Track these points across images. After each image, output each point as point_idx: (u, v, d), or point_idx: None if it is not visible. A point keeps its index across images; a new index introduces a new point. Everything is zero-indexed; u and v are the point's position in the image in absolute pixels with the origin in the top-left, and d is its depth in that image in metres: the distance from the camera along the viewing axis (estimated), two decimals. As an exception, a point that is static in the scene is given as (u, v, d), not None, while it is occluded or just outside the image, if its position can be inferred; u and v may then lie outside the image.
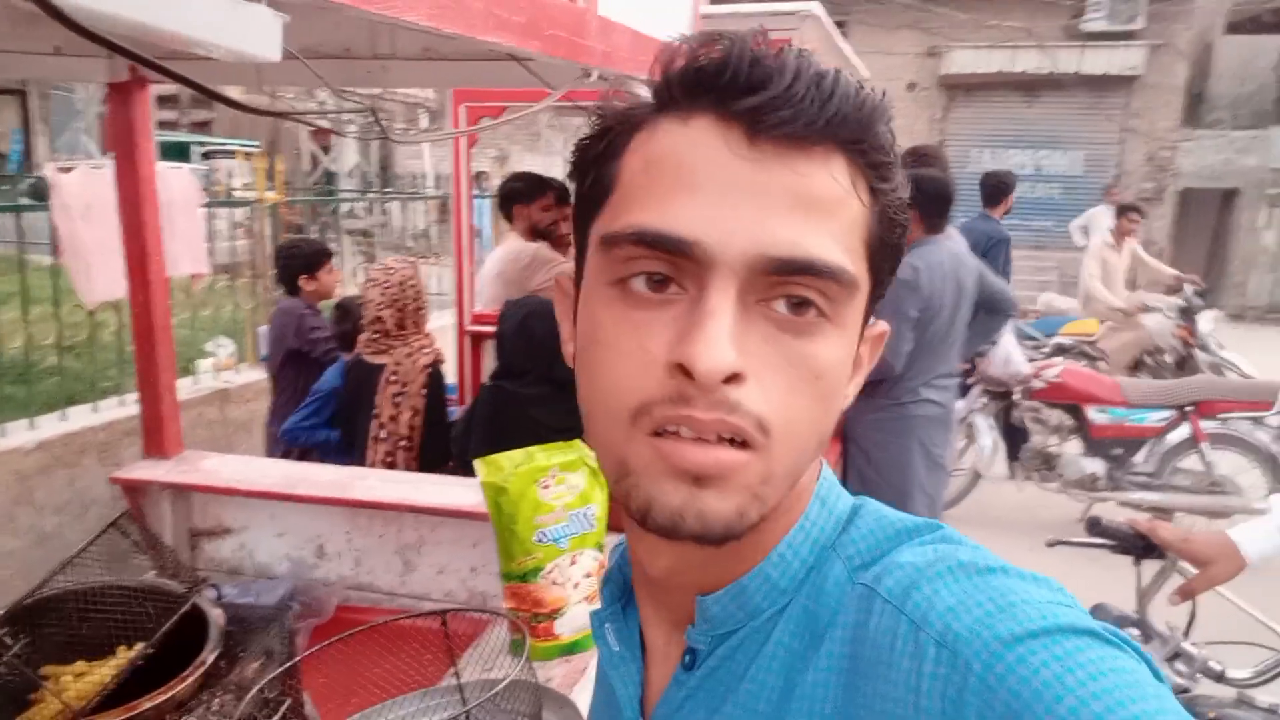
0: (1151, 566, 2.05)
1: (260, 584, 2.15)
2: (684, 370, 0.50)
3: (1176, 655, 2.01)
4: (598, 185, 0.58)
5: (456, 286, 3.86)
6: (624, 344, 0.53)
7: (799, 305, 0.52)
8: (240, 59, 0.76)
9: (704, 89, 0.53)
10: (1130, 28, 14.83)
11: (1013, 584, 0.52)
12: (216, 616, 1.34)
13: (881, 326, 0.62)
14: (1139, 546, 1.99)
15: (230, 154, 13.16)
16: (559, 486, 1.34)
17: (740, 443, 0.51)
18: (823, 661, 0.56)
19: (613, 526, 1.61)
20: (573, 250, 0.64)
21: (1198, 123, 15.77)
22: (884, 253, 0.57)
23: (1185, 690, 1.99)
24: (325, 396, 3.36)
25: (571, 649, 1.36)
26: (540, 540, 1.33)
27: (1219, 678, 1.98)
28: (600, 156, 0.58)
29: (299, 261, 3.98)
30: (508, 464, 1.35)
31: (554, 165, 11.66)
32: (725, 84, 0.52)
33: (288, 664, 1.04)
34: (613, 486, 0.56)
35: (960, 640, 0.49)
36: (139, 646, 1.30)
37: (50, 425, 3.94)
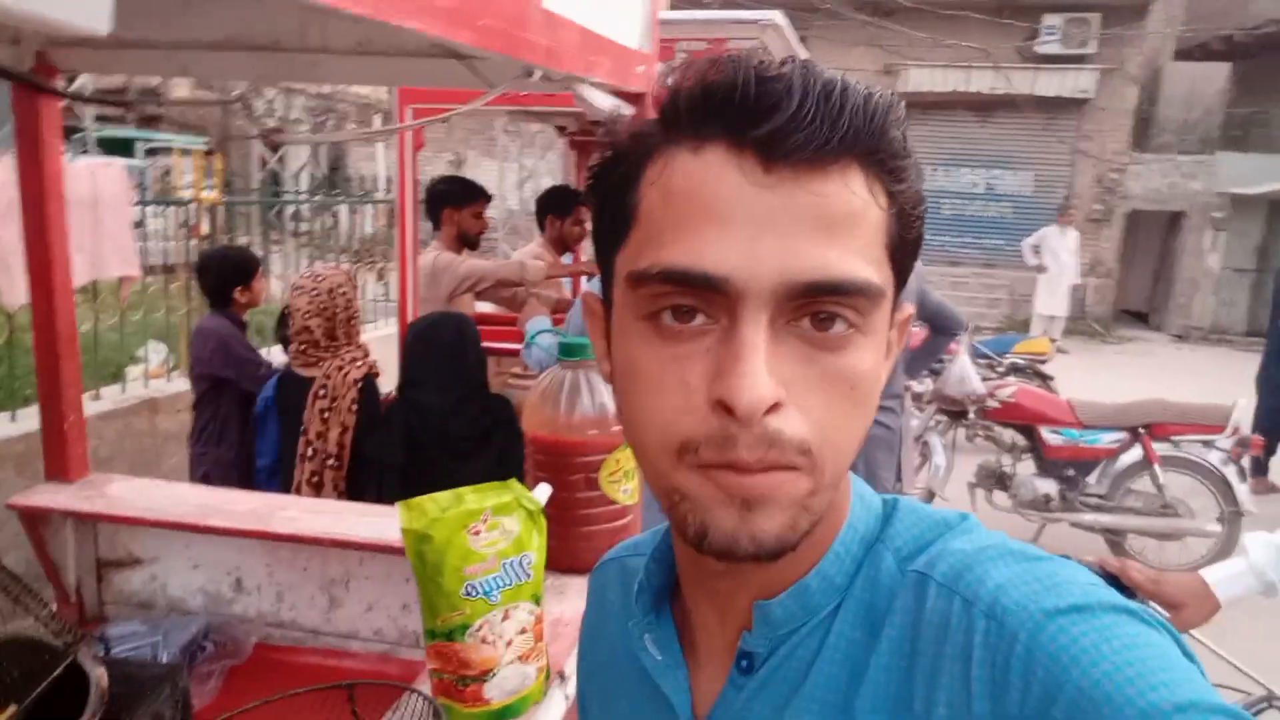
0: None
1: (171, 620, 1.98)
2: (725, 406, 0.52)
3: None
4: (618, 216, 0.59)
5: (400, 294, 3.69)
6: (664, 378, 0.55)
7: (825, 320, 0.53)
8: (71, 32, 0.63)
9: (713, 116, 0.54)
10: (1083, 51, 15.08)
11: (1058, 568, 0.56)
12: (99, 676, 1.18)
13: (908, 309, 0.63)
14: (1109, 586, 1.91)
15: (168, 151, 12.83)
16: (491, 532, 1.20)
17: (798, 468, 0.54)
18: (883, 646, 0.59)
19: (553, 565, 1.48)
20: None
21: (1146, 146, 16.05)
22: (905, 249, 0.57)
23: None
24: (262, 418, 3.18)
25: (502, 715, 1.22)
26: (469, 594, 1.19)
27: None
28: (617, 185, 0.59)
29: (233, 271, 3.73)
30: (433, 507, 1.20)
31: (510, 170, 11.51)
32: (735, 111, 0.52)
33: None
34: (665, 510, 0.58)
35: (1007, 612, 0.53)
36: (11, 710, 1.14)
37: (-39, 434, 3.72)
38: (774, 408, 0.52)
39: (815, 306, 0.53)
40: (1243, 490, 5.23)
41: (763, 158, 0.52)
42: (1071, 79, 15.18)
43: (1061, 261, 12.03)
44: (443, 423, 2.77)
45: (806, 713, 0.60)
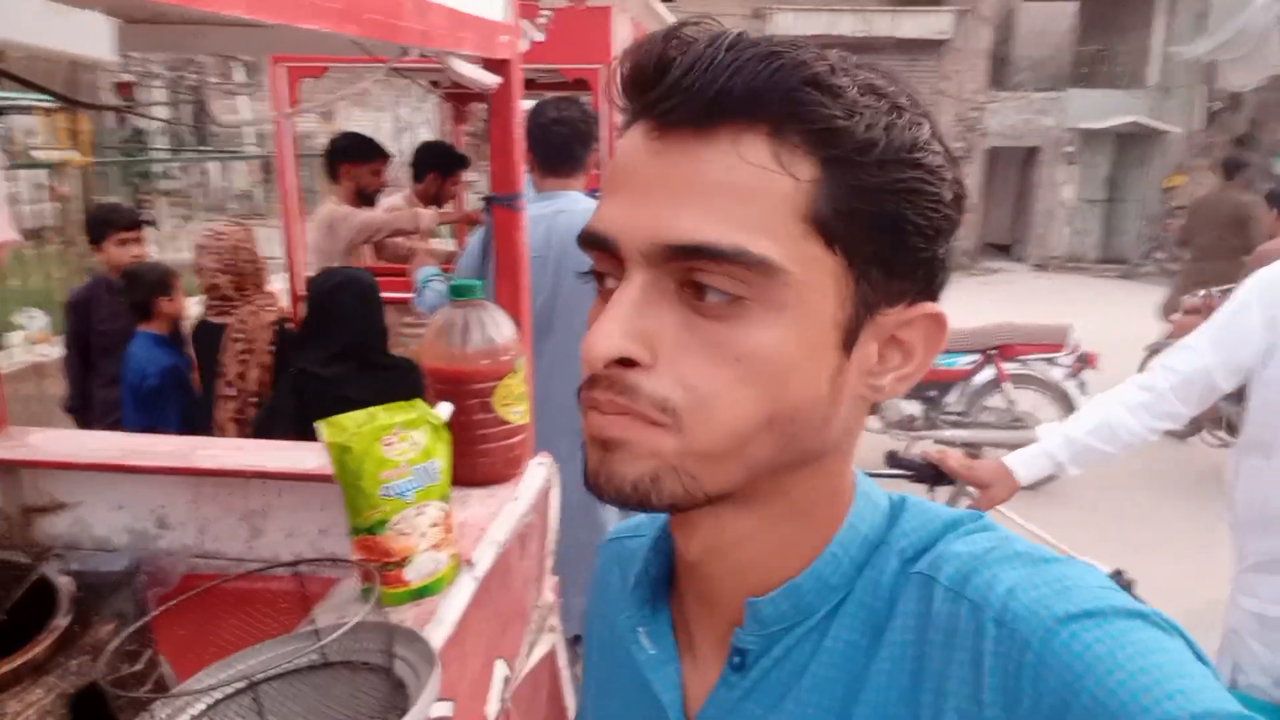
0: (944, 493, 2.31)
1: (99, 557, 2.13)
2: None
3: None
4: None
5: (287, 252, 3.80)
6: None
7: (703, 287, 0.53)
8: (78, 59, 0.80)
9: (631, 91, 0.55)
10: (941, -7, 15.67)
11: (1067, 570, 0.55)
12: (65, 584, 1.36)
13: (929, 308, 0.58)
14: (931, 475, 2.24)
15: (26, 110, 12.20)
16: (402, 444, 1.42)
17: (657, 423, 0.54)
18: (886, 652, 0.58)
19: (457, 481, 1.70)
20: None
21: (1002, 85, 16.81)
22: (860, 224, 0.53)
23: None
24: (159, 390, 3.27)
25: (420, 594, 1.45)
26: (386, 495, 1.41)
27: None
28: None
29: (90, 230, 3.76)
30: (350, 424, 1.42)
31: (383, 121, 11.39)
32: (639, 83, 0.54)
33: (144, 618, 1.10)
34: None
35: (1018, 618, 0.52)
36: (-14, 618, 1.31)
37: None
38: (629, 363, 0.53)
39: (689, 272, 0.53)
40: (1082, 402, 5.76)
41: (656, 125, 0.53)
42: (930, 21, 15.77)
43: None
44: (350, 392, 2.64)
45: (799, 715, 0.60)
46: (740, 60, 0.51)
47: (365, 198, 4.31)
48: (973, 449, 5.94)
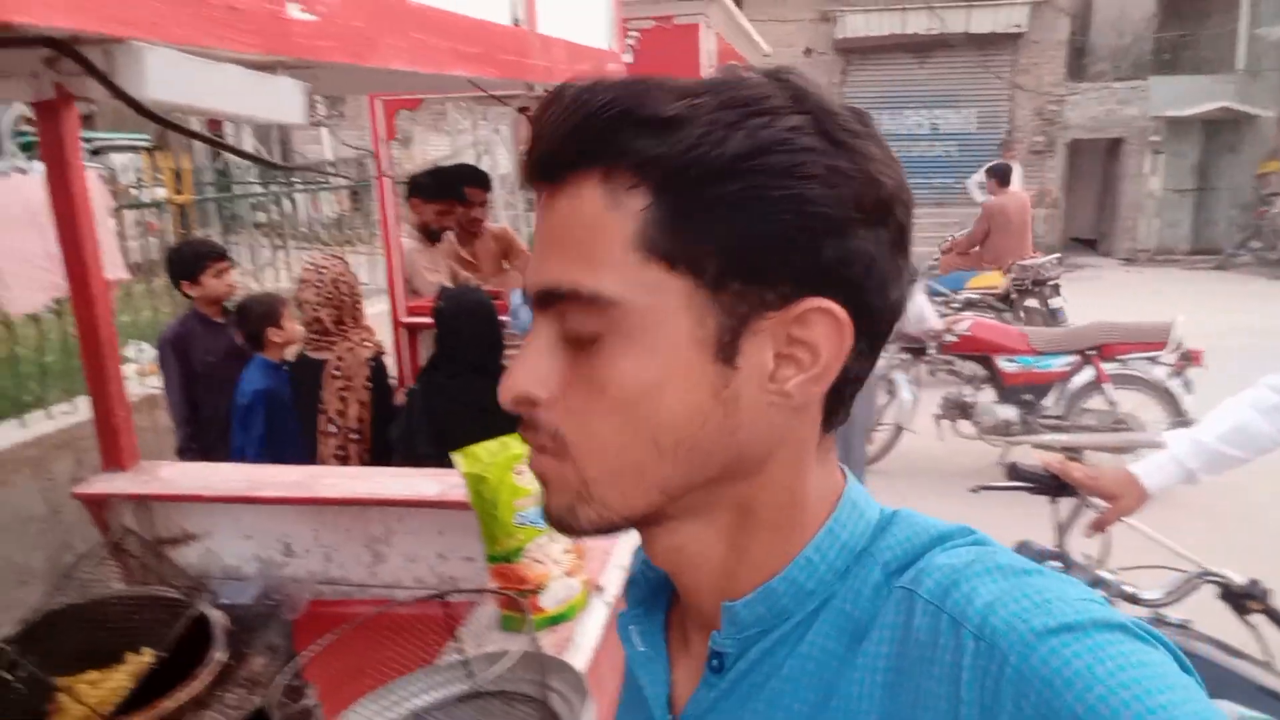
0: (1067, 504, 2.24)
1: (231, 586, 2.20)
2: None
3: (1095, 583, 2.20)
4: None
5: (388, 279, 3.89)
6: None
7: (570, 325, 0.57)
8: (270, 123, 0.84)
9: None
10: (1014, -14, 15.36)
11: (1048, 583, 0.54)
12: (219, 618, 1.40)
13: (815, 304, 0.56)
14: (1053, 486, 2.17)
15: (128, 149, 12.77)
16: (534, 471, 1.43)
17: (554, 453, 0.59)
18: (862, 661, 0.58)
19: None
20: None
21: (1081, 75, 16.40)
22: (696, 241, 0.54)
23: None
24: (250, 406, 3.38)
25: (556, 620, 1.46)
26: (520, 522, 1.42)
27: (1134, 600, 2.17)
28: None
29: (177, 267, 3.85)
30: (485, 454, 1.43)
31: (461, 145, 11.55)
32: None
33: (308, 651, 1.12)
34: None
35: (997, 633, 0.51)
36: (148, 652, 1.36)
37: (-21, 444, 3.87)
38: (530, 402, 0.58)
39: (559, 315, 0.57)
40: (1188, 401, 5.55)
41: (534, 187, 0.60)
42: (1004, 14, 15.46)
43: (1008, 195, 12.32)
44: (467, 396, 2.91)
45: (771, 717, 0.61)
46: (565, 117, 0.55)
47: (429, 234, 4.35)
48: (1074, 453, 5.77)
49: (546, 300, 0.57)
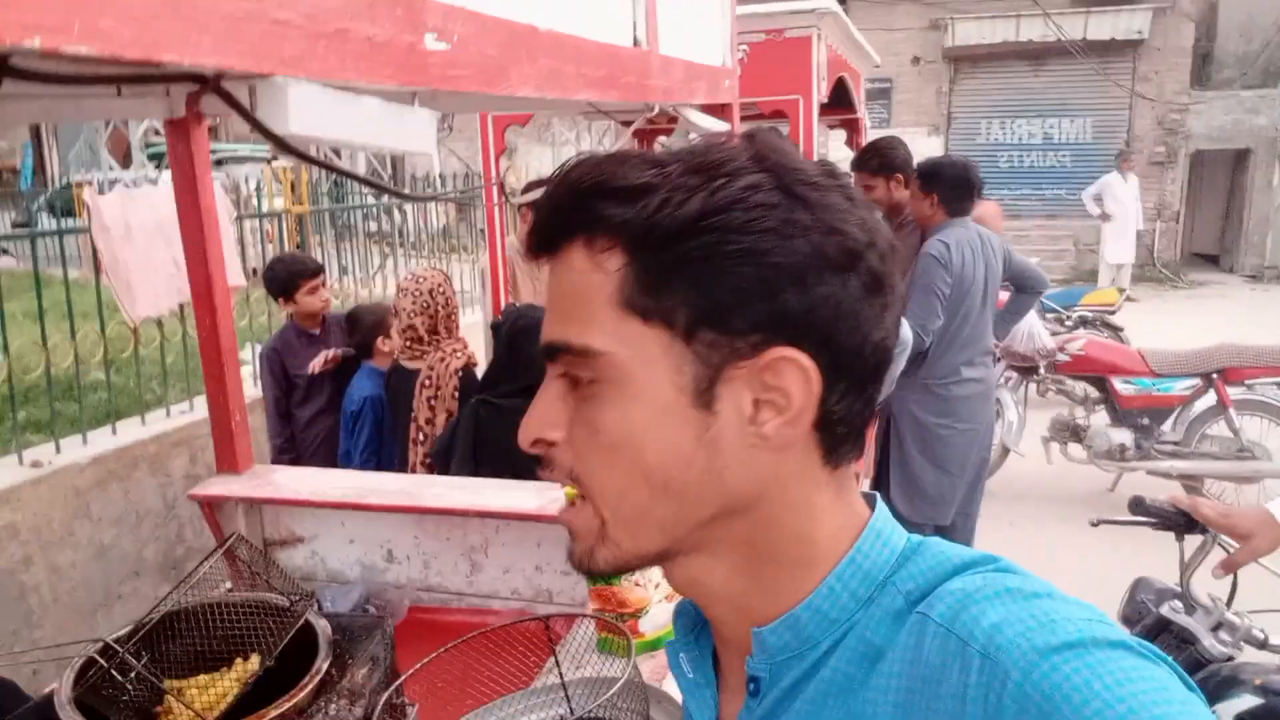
0: (1194, 541, 2.12)
1: (334, 589, 2.25)
2: None
3: (1220, 625, 2.07)
4: None
5: (492, 287, 3.96)
6: None
7: (572, 378, 0.63)
8: (403, 154, 0.85)
9: None
10: (1134, -9, 14.79)
11: (1055, 606, 0.56)
12: (324, 627, 1.43)
13: (778, 353, 0.59)
14: (1181, 522, 2.06)
15: (250, 160, 13.37)
16: (637, 492, 1.42)
17: (579, 493, 0.64)
18: (876, 683, 0.60)
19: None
20: None
21: (1206, 83, 15.69)
22: (665, 295, 0.59)
23: (1229, 658, 2.06)
24: (359, 413, 3.49)
25: (655, 645, 1.44)
26: (623, 544, 1.40)
27: (1262, 645, 2.04)
28: None
29: (273, 285, 3.97)
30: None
31: (563, 155, 11.70)
32: None
33: (410, 671, 1.12)
34: None
35: (1001, 651, 0.53)
36: (256, 658, 1.39)
37: (102, 440, 4.05)
38: (545, 444, 0.64)
39: (562, 366, 0.63)
40: (1321, 430, 5.24)
41: (538, 258, 0.65)
42: (1125, 20, 14.91)
43: (1125, 208, 11.88)
44: (517, 419, 2.79)
45: None
46: (554, 194, 0.62)
47: None
48: (1192, 482, 5.50)
49: (552, 353, 0.63)
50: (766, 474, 0.62)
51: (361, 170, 14.97)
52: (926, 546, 0.66)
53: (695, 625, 0.74)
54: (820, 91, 3.53)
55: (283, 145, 0.83)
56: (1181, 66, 15.29)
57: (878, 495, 0.69)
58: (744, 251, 0.57)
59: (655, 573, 1.47)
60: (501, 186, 4.07)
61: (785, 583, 0.64)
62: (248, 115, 0.77)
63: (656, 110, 1.42)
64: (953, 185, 3.66)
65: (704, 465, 0.60)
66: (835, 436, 0.63)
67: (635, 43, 1.22)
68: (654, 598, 1.44)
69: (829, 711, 0.62)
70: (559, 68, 1.00)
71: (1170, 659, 0.53)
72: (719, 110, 1.71)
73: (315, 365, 3.75)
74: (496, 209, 3.86)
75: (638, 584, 1.43)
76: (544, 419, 0.64)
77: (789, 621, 0.64)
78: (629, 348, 0.60)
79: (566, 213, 0.61)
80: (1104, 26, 14.90)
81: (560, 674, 1.23)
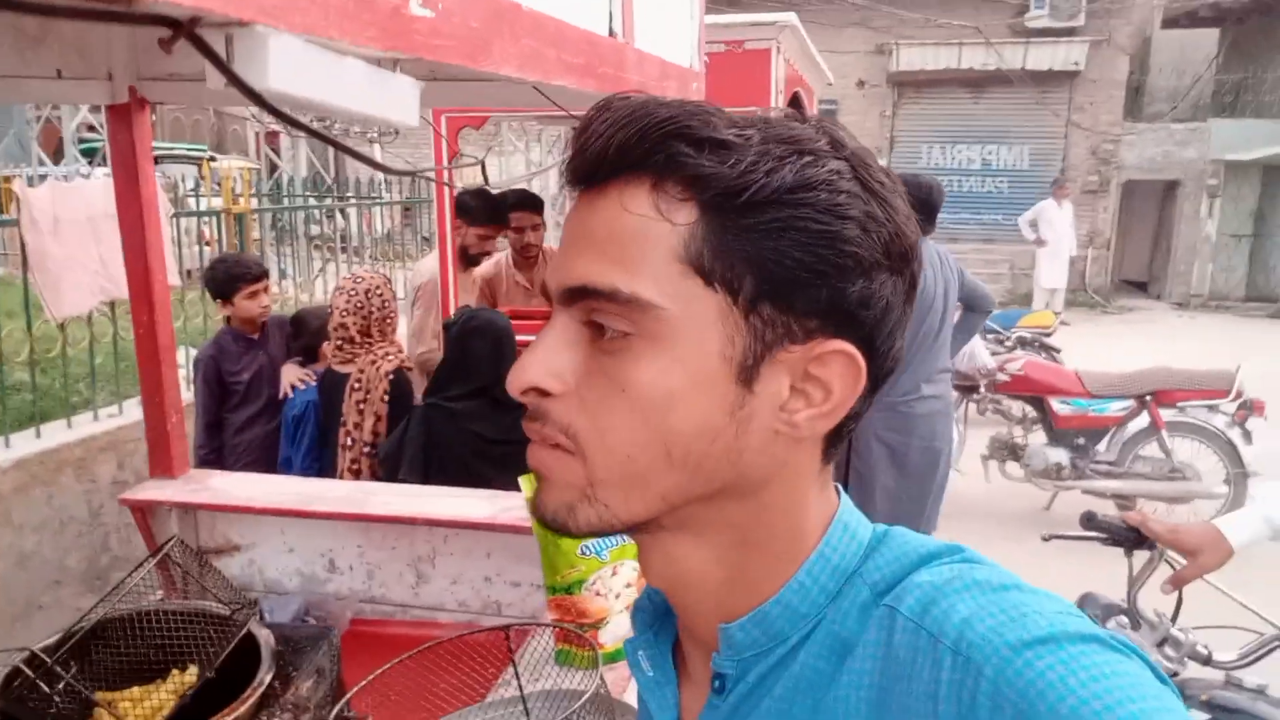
0: (1141, 558, 2.14)
1: (272, 600, 2.16)
2: None
3: (1165, 640, 2.10)
4: None
5: (441, 290, 3.89)
6: None
7: (598, 324, 0.58)
8: (384, 124, 0.80)
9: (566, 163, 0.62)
10: (1072, 24, 15.20)
11: (1025, 598, 0.55)
12: (266, 637, 1.36)
13: (838, 345, 0.58)
14: (1130, 538, 2.08)
15: (185, 159, 13.05)
16: (598, 500, 1.38)
17: (564, 448, 0.59)
18: (846, 679, 0.59)
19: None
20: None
21: (1138, 115, 16.18)
22: (737, 262, 0.56)
23: (1174, 674, 2.08)
24: (301, 417, 3.42)
25: (615, 657, 1.40)
26: (583, 553, 1.37)
27: (1206, 661, 2.07)
28: None
29: (213, 286, 3.85)
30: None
31: (514, 165, 11.63)
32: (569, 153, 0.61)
33: (368, 678, 1.07)
34: None
35: (974, 647, 0.52)
36: (194, 670, 1.31)
37: (25, 443, 3.88)
38: (542, 393, 0.59)
39: (589, 312, 0.58)
40: (1248, 452, 5.39)
41: (572, 188, 0.61)
42: (1062, 52, 15.31)
43: (1060, 234, 12.17)
44: (479, 428, 2.77)
45: None
46: (621, 124, 0.56)
47: (466, 258, 4.22)
48: (1125, 501, 5.62)
49: (575, 296, 0.59)
50: (779, 461, 0.60)
51: (302, 170, 14.71)
52: (892, 536, 0.65)
53: (655, 620, 0.72)
54: (778, 104, 3.55)
55: (259, 101, 0.77)
56: (1115, 99, 15.74)
57: (839, 486, 0.68)
58: (827, 233, 0.56)
59: (617, 582, 1.43)
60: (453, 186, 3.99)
61: (764, 574, 0.63)
62: (224, 66, 0.72)
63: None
64: (917, 204, 3.70)
65: (727, 442, 0.58)
66: (839, 433, 0.63)
67: (611, 33, 1.19)
68: (614, 608, 1.40)
69: (798, 707, 0.61)
70: (541, 50, 0.97)
71: (1139, 650, 0.53)
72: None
73: (287, 389, 3.63)
74: (448, 212, 3.79)
75: (599, 594, 1.39)
76: (547, 365, 0.59)
77: (758, 618, 0.62)
78: (684, 306, 0.56)
79: (638, 148, 0.56)
80: (1043, 57, 15.29)
81: (520, 686, 1.19)
